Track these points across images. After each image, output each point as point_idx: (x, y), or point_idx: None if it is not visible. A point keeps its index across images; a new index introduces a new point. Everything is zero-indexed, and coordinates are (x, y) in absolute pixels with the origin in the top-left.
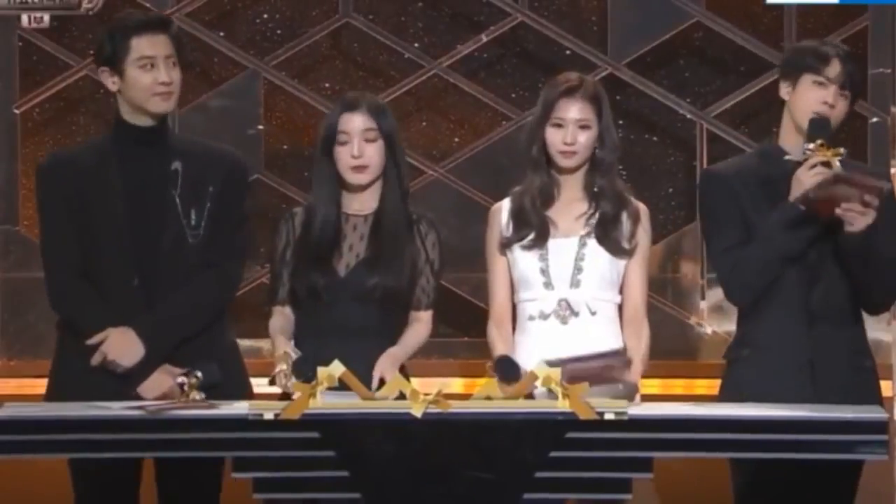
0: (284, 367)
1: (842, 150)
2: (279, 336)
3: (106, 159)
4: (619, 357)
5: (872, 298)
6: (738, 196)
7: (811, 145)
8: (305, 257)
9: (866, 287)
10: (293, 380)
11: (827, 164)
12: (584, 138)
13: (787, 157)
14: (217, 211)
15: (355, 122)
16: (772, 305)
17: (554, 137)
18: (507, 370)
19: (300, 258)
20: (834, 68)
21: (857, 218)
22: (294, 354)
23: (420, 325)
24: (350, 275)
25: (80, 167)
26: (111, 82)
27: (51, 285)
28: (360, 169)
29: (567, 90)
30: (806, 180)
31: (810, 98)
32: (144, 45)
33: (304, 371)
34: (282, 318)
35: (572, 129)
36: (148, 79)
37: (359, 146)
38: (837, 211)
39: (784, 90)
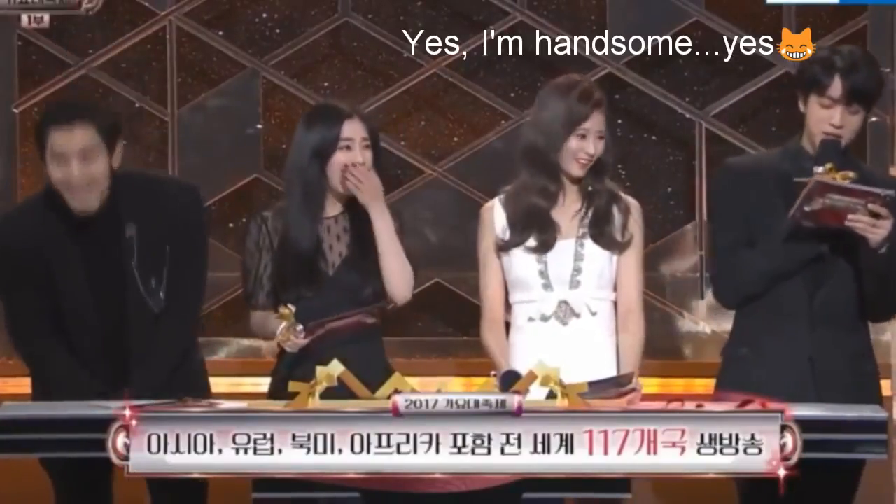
0: (286, 323)
1: (851, 173)
2: (268, 316)
3: (63, 227)
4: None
5: (879, 311)
6: (747, 193)
7: (820, 169)
8: (289, 268)
9: (875, 300)
10: (299, 326)
11: None
12: (601, 147)
13: (796, 180)
14: (176, 268)
15: (357, 130)
16: (772, 307)
17: (574, 147)
18: (511, 386)
19: (282, 268)
20: (836, 88)
21: (868, 230)
22: (292, 307)
23: None
24: (337, 273)
25: (38, 235)
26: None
27: (26, 349)
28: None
29: (595, 104)
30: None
31: (818, 119)
32: (56, 140)
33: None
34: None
35: (594, 140)
36: (59, 175)
37: (361, 153)
38: (847, 224)
39: (800, 105)
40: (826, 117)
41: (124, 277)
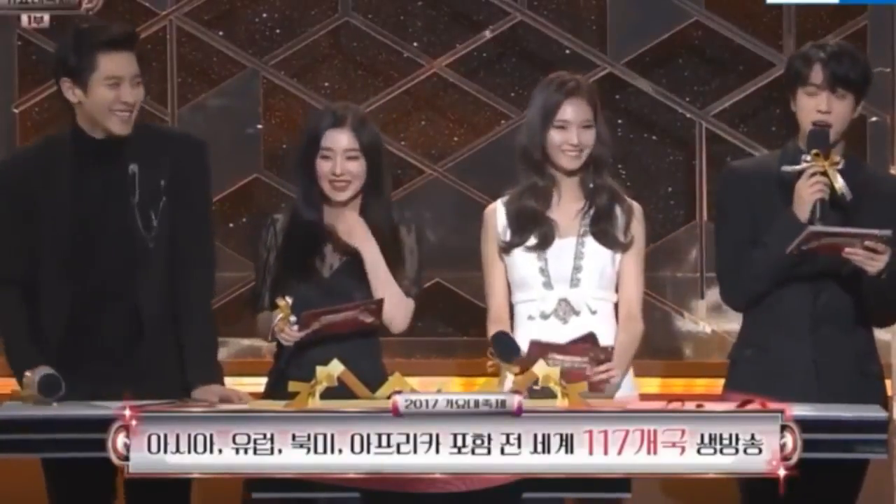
0: (282, 314)
1: (838, 158)
2: (270, 315)
3: (61, 169)
4: (596, 350)
5: (880, 321)
6: (750, 195)
7: (808, 156)
8: (289, 266)
9: (877, 314)
10: (293, 317)
11: (823, 174)
12: (587, 138)
13: (784, 169)
14: (174, 207)
15: (339, 141)
16: (777, 308)
17: (558, 139)
18: (506, 348)
19: (283, 267)
20: (817, 74)
21: (866, 263)
22: (289, 299)
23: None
24: (332, 276)
25: (34, 176)
26: (72, 94)
27: None
28: (340, 186)
29: (568, 92)
30: (804, 191)
31: (807, 110)
32: (112, 65)
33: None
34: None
35: (577, 130)
36: (111, 96)
37: (341, 164)
38: (844, 256)
39: (791, 105)
40: (813, 105)
41: (125, 219)
